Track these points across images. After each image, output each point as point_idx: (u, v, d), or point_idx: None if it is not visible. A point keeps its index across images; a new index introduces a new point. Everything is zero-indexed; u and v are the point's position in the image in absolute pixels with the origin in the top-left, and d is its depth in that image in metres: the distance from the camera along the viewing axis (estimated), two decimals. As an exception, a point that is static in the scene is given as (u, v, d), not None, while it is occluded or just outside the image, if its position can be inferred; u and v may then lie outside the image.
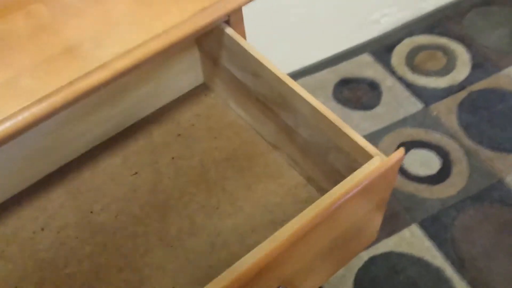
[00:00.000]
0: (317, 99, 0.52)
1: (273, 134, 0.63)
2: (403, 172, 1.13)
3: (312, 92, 1.24)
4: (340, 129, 0.48)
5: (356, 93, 1.24)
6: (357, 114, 1.20)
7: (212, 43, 0.62)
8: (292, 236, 0.40)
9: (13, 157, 0.59)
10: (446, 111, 1.19)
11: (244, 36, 0.60)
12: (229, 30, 0.57)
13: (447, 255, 1.02)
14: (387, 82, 1.26)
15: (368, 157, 0.45)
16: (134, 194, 0.62)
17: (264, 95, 0.58)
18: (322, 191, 0.59)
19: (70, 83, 0.45)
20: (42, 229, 0.60)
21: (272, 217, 0.59)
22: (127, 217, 0.60)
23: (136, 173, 0.64)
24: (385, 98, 1.23)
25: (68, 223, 0.60)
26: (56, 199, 0.62)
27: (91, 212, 0.61)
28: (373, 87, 1.25)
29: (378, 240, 1.09)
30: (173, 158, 0.65)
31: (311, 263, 0.49)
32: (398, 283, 1.06)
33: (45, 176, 0.64)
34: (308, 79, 1.27)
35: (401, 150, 0.44)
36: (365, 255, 1.06)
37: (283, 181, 0.61)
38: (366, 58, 1.29)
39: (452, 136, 1.14)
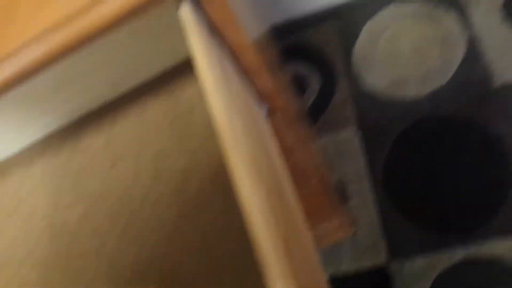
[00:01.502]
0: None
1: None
2: None
3: (477, 3, 0.83)
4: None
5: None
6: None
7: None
8: None
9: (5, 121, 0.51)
10: None
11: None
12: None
13: None
14: None
15: None
16: (104, 195, 0.49)
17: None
18: None
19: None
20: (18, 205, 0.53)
21: None
22: (89, 225, 0.49)
23: (114, 165, 0.50)
24: None
25: (38, 209, 0.52)
26: (34, 176, 0.53)
27: (59, 205, 0.51)
28: None
29: (486, 236, 0.77)
30: (156, 154, 0.48)
31: None
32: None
33: (32, 144, 0.55)
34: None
35: None
36: (460, 253, 0.77)
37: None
38: None
39: None
